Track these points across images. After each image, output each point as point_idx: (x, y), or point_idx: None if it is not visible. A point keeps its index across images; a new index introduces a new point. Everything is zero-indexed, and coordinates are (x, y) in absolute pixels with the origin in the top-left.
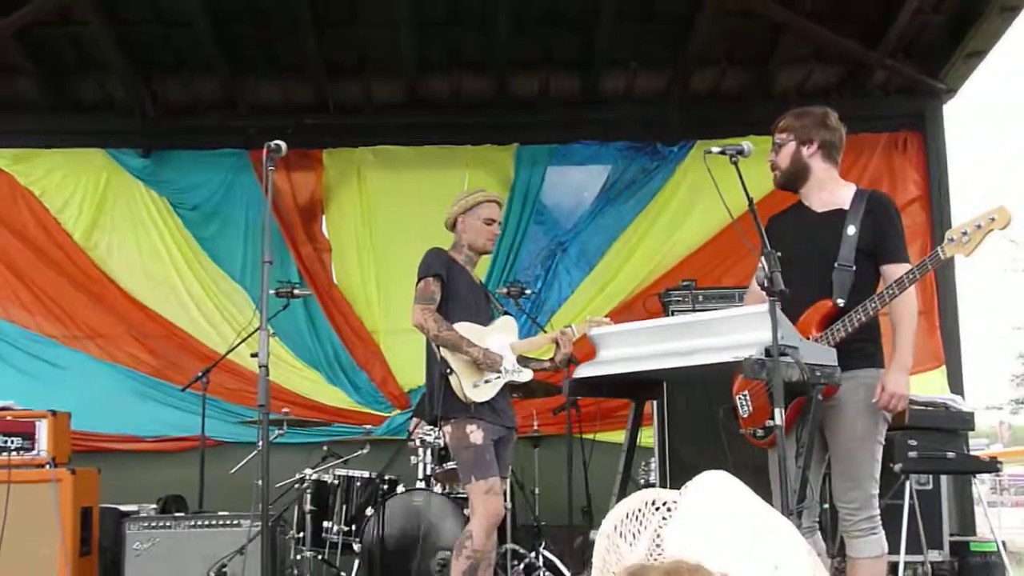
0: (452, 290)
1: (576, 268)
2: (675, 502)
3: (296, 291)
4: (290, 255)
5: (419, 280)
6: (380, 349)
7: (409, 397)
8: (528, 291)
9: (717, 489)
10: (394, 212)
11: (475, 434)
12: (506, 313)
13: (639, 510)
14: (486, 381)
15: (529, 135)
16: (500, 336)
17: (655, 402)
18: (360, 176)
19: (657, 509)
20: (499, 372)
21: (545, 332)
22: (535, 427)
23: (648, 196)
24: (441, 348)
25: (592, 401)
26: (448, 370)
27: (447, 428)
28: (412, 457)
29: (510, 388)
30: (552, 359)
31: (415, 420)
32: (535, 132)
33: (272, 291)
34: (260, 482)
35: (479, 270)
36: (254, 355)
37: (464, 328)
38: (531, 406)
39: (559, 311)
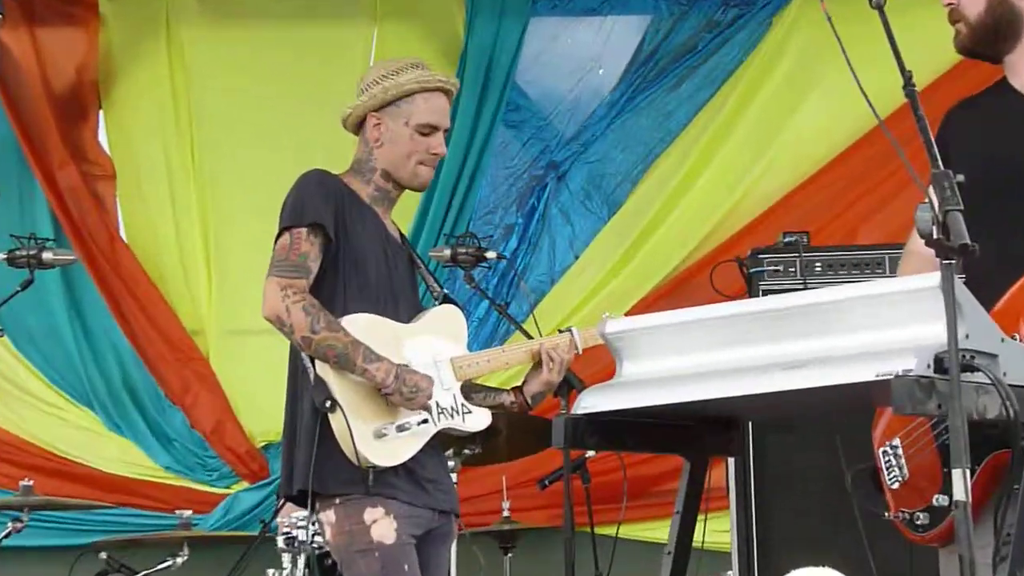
0: (347, 252)
1: (583, 212)
2: None
3: (48, 254)
4: (37, 187)
5: (280, 232)
6: (211, 367)
7: (267, 457)
8: (491, 255)
9: None
10: (238, 106)
11: (380, 526)
12: (447, 299)
13: None
14: (400, 428)
15: None
16: (431, 342)
17: (730, 461)
18: (171, 39)
19: None
20: (425, 412)
21: (526, 336)
22: (505, 513)
23: (718, 76)
24: (317, 362)
25: (611, 462)
26: (327, 403)
27: (326, 515)
28: (271, 571)
29: (447, 442)
30: (520, 388)
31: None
32: None
33: (0, 255)
34: None
35: (400, 213)
36: None
37: (364, 325)
38: (497, 473)
39: (551, 294)
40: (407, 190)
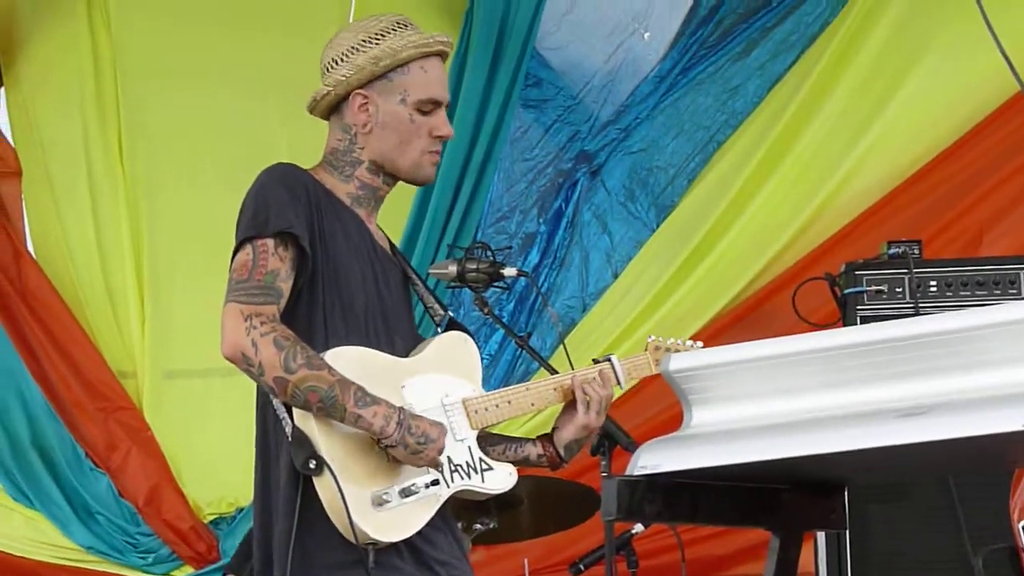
0: (327, 268)
1: (625, 217)
2: None
3: None
4: None
5: (239, 245)
6: (145, 419)
7: (216, 535)
8: (509, 272)
9: None
10: (180, 83)
11: None
12: (453, 324)
13: None
14: (405, 492)
15: None
16: (438, 381)
17: (820, 539)
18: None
19: None
20: (435, 471)
21: (550, 371)
22: None
23: (799, 41)
24: (295, 411)
25: (663, 540)
26: (311, 463)
27: None
28: None
29: (462, 509)
30: (550, 437)
31: None
32: None
33: None
34: None
35: (389, 219)
36: None
37: (353, 361)
38: (517, 554)
39: (584, 322)
40: (396, 186)
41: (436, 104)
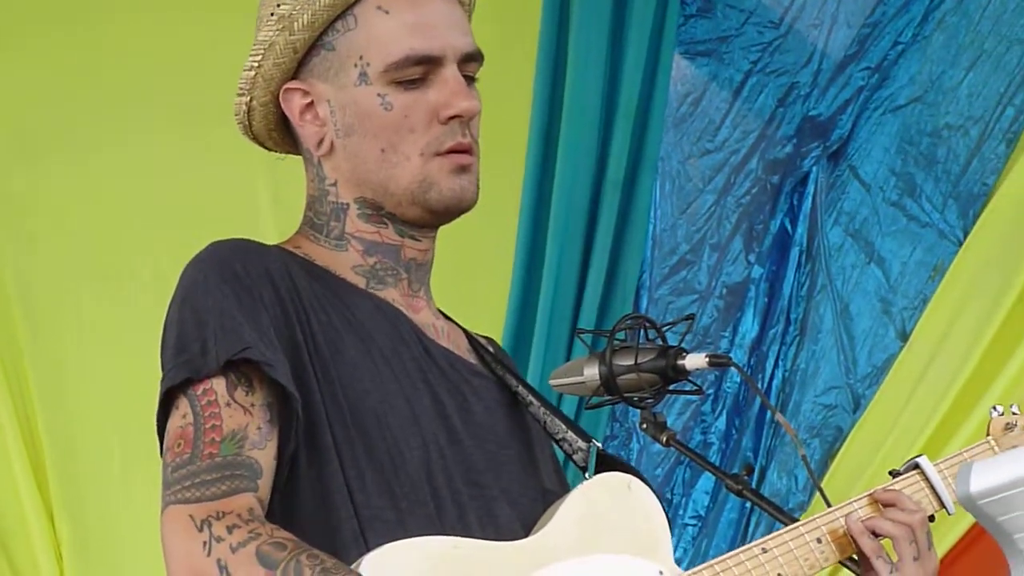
0: (334, 410)
1: (900, 225)
2: None
3: None
4: None
5: (165, 398)
6: None
7: None
8: (696, 362)
9: None
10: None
11: None
12: (605, 460)
13: None
14: None
15: None
16: (588, 567)
17: None
18: None
19: None
20: None
21: (795, 519)
22: None
23: None
24: None
25: None
26: None
27: None
28: None
29: None
30: None
31: None
32: None
33: None
34: None
35: (478, 293)
36: None
37: (408, 563)
38: None
39: (857, 429)
40: (446, 222)
41: (427, 63)
